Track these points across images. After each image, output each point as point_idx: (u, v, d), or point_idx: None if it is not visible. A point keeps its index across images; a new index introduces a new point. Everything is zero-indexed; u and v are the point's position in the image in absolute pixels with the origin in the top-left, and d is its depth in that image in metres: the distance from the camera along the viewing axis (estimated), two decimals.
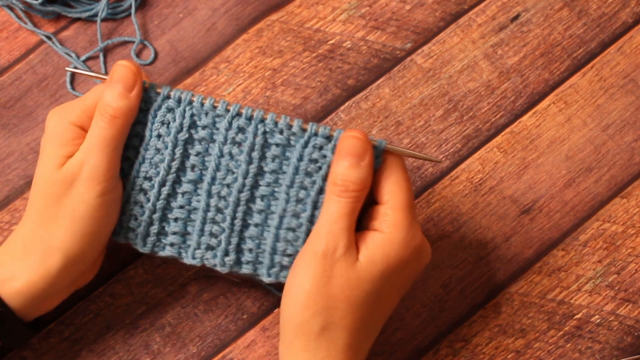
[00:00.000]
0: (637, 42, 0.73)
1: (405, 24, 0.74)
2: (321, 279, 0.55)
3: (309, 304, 0.55)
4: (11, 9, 0.73)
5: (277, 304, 0.67)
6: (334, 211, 0.55)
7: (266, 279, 0.59)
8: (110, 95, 0.57)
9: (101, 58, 0.72)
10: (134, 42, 0.73)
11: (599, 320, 0.67)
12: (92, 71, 0.62)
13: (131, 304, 0.67)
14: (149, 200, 0.59)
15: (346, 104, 0.72)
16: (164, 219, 0.60)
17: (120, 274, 0.67)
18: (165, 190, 0.59)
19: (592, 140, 0.71)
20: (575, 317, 0.67)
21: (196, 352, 0.66)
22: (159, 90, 0.58)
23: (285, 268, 0.58)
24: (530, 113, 0.72)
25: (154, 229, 0.60)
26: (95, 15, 0.73)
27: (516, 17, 0.74)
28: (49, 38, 0.72)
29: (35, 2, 0.71)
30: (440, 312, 0.67)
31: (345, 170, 0.55)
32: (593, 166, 0.70)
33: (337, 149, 0.56)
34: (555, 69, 0.73)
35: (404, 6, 0.74)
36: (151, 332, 0.66)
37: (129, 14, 0.74)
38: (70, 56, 0.72)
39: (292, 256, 0.58)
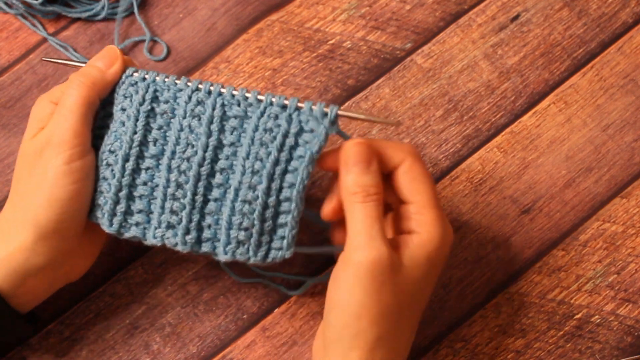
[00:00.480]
0: (637, 42, 0.73)
1: (405, 24, 0.74)
2: (371, 287, 0.54)
3: (363, 314, 0.54)
4: (24, 17, 0.73)
5: (277, 304, 0.67)
6: (364, 217, 0.55)
7: (222, 257, 0.58)
8: (86, 68, 0.59)
9: None
10: (144, 40, 0.73)
11: (599, 320, 0.67)
12: (69, 60, 0.64)
13: (131, 304, 0.67)
14: (114, 175, 0.59)
15: (346, 104, 0.72)
16: (129, 196, 0.59)
17: (120, 274, 0.67)
18: (129, 166, 0.58)
19: (592, 140, 0.71)
20: (575, 317, 0.67)
21: (196, 352, 0.66)
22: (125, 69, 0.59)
23: (241, 244, 0.57)
24: (530, 113, 0.72)
25: (121, 207, 0.59)
26: (95, 15, 0.73)
27: (516, 17, 0.74)
28: (65, 48, 0.72)
29: (35, 2, 0.71)
30: (440, 312, 0.67)
31: (358, 177, 0.55)
32: (593, 166, 0.70)
33: (342, 159, 0.56)
34: (555, 69, 0.73)
35: (404, 6, 0.74)
36: (151, 332, 0.66)
37: (128, 14, 0.74)
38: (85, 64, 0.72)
39: (249, 230, 0.57)
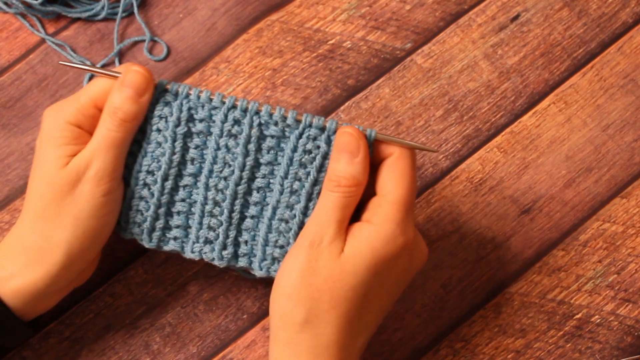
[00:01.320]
0: (637, 42, 0.73)
1: (405, 24, 0.74)
2: (306, 269, 0.54)
3: (293, 294, 0.54)
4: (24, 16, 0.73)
5: None
6: (325, 204, 0.55)
7: (258, 273, 0.59)
8: (119, 98, 0.57)
9: (117, 64, 0.72)
10: (144, 40, 0.73)
11: (599, 320, 0.67)
12: (88, 66, 0.62)
13: (131, 304, 0.67)
14: (153, 194, 0.59)
15: (346, 104, 0.72)
16: (168, 212, 0.60)
17: (120, 274, 0.67)
18: (168, 185, 0.59)
19: (592, 140, 0.71)
20: (575, 317, 0.67)
21: (196, 352, 0.66)
22: (154, 83, 0.58)
23: (276, 261, 0.58)
24: (530, 113, 0.72)
25: (160, 223, 0.60)
26: (95, 15, 0.73)
27: (516, 17, 0.74)
28: (62, 47, 0.72)
29: (35, 2, 0.71)
30: (440, 312, 0.67)
31: (338, 166, 0.56)
32: (593, 166, 0.70)
33: (333, 145, 0.56)
34: (555, 69, 0.73)
35: (404, 6, 0.74)
36: (151, 332, 0.66)
37: (128, 14, 0.74)
38: (86, 64, 0.72)
39: (284, 248, 0.58)
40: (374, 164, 0.58)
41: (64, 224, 0.57)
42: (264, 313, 0.67)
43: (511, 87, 0.72)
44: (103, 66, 0.72)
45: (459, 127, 0.71)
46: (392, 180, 0.56)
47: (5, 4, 0.73)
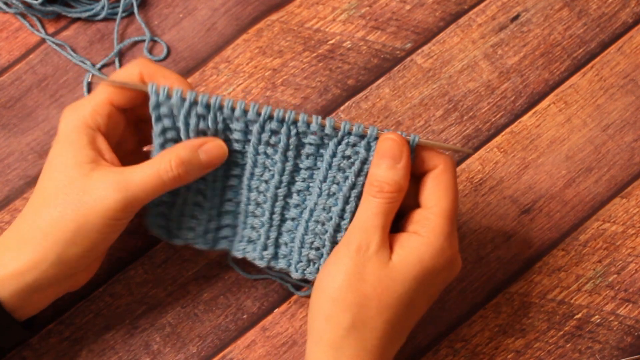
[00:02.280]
0: (637, 42, 0.73)
1: (405, 24, 0.74)
2: (353, 275, 0.55)
3: (339, 298, 0.55)
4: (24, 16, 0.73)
5: (277, 304, 0.67)
6: (368, 210, 0.56)
7: (294, 275, 0.60)
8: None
9: (117, 64, 0.72)
10: (144, 40, 0.73)
11: (599, 320, 0.67)
12: (123, 81, 0.59)
13: (131, 304, 0.67)
14: (205, 198, 0.60)
15: (346, 104, 0.72)
16: (219, 213, 0.61)
17: (120, 274, 0.67)
18: (217, 186, 0.60)
19: (592, 140, 0.71)
20: (575, 317, 0.67)
21: (196, 352, 0.66)
22: (184, 96, 0.57)
23: (312, 263, 0.59)
24: (530, 113, 0.72)
25: (213, 224, 0.61)
26: (95, 15, 0.73)
27: (516, 17, 0.74)
28: (62, 47, 0.72)
29: (35, 2, 0.71)
30: (440, 312, 0.67)
31: (381, 172, 0.56)
32: (593, 166, 0.70)
33: (375, 151, 0.57)
34: (555, 69, 0.73)
35: (404, 6, 0.74)
36: (151, 332, 0.66)
37: (128, 14, 0.74)
38: (85, 64, 0.72)
39: (319, 250, 0.59)
40: (415, 174, 0.58)
41: (57, 215, 0.56)
42: (264, 313, 0.67)
43: (511, 87, 0.72)
44: (103, 66, 0.72)
45: (459, 127, 0.71)
46: (439, 193, 0.57)
47: (5, 4, 0.73)
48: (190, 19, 0.74)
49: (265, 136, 0.57)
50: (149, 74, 0.58)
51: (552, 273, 0.68)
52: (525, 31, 0.73)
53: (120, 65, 0.72)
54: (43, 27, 0.74)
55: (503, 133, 0.71)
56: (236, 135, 0.58)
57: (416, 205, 0.58)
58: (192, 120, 0.57)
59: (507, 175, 0.70)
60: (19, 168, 0.70)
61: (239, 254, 0.61)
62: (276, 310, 0.67)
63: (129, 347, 0.66)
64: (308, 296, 0.67)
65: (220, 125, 0.58)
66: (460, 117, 0.71)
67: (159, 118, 0.57)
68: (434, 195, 0.57)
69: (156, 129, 0.58)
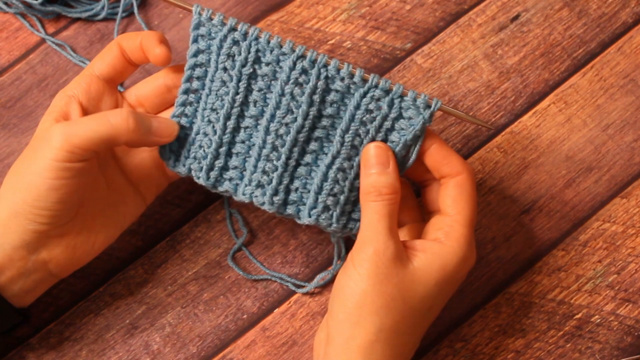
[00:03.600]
0: (637, 42, 0.73)
1: (405, 24, 0.74)
2: (376, 277, 0.55)
3: (366, 302, 0.55)
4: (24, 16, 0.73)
5: (277, 304, 0.67)
6: (373, 214, 0.57)
7: (306, 220, 0.60)
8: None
9: None
10: None
11: (599, 320, 0.67)
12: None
13: (131, 304, 0.67)
14: (215, 132, 0.60)
15: None
16: (228, 153, 0.61)
17: (120, 274, 0.67)
18: (230, 124, 0.60)
19: (592, 140, 0.71)
20: (575, 317, 0.67)
21: (196, 352, 0.66)
22: (225, 21, 0.59)
23: (326, 210, 0.59)
24: (530, 113, 0.72)
25: (219, 162, 0.61)
26: (95, 15, 0.73)
27: (516, 17, 0.74)
28: (62, 47, 0.72)
29: (35, 2, 0.71)
30: (440, 312, 0.67)
31: (373, 179, 0.57)
32: (593, 166, 0.70)
33: (361, 161, 0.58)
34: (555, 69, 0.73)
35: (404, 6, 0.74)
36: (151, 332, 0.66)
37: (128, 14, 0.74)
38: (85, 64, 0.72)
39: (337, 196, 0.59)
40: (437, 177, 0.59)
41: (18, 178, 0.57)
42: (264, 313, 0.67)
43: (511, 87, 0.72)
44: None
45: (459, 127, 0.71)
46: (462, 201, 0.58)
47: (5, 4, 0.73)
48: (191, 19, 0.74)
49: (295, 74, 0.58)
50: (129, 47, 0.61)
51: (552, 273, 0.68)
52: (525, 31, 0.73)
53: None
54: (43, 27, 0.74)
55: (503, 133, 0.71)
56: (265, 70, 0.59)
57: (435, 210, 0.60)
58: (227, 44, 0.59)
59: (507, 175, 0.70)
60: None
61: (244, 198, 0.60)
62: (276, 310, 0.67)
63: (129, 347, 0.66)
64: (309, 294, 0.67)
65: (251, 55, 0.59)
66: None
67: (195, 39, 0.60)
68: (458, 203, 0.58)
69: (191, 50, 0.60)
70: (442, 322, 0.66)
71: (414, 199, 0.64)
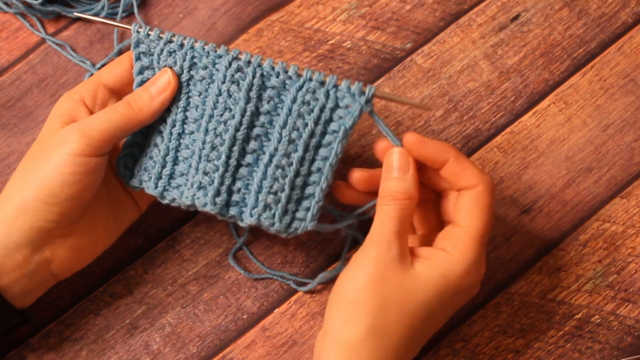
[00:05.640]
0: (637, 42, 0.73)
1: (405, 24, 0.74)
2: (375, 277, 0.55)
3: (361, 300, 0.55)
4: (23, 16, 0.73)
5: (277, 304, 0.67)
6: (384, 217, 0.57)
7: (248, 220, 0.60)
8: (138, 92, 0.60)
9: None
10: None
11: (599, 320, 0.67)
12: (105, 19, 0.65)
13: (131, 304, 0.67)
14: (162, 140, 0.61)
15: None
16: (175, 161, 0.61)
17: (120, 274, 0.67)
18: (175, 131, 0.61)
19: (592, 140, 0.71)
20: (575, 317, 0.67)
21: (196, 352, 0.66)
22: (162, 35, 0.60)
23: (268, 208, 0.59)
24: (530, 113, 0.72)
25: (166, 170, 0.61)
26: (95, 15, 0.73)
27: (516, 17, 0.74)
28: (62, 47, 0.72)
29: (35, 2, 0.71)
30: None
31: (391, 184, 0.57)
32: (593, 166, 0.70)
33: (384, 165, 0.59)
34: (555, 69, 0.73)
35: (404, 6, 0.74)
36: (151, 332, 0.66)
37: (128, 14, 0.74)
38: (85, 63, 0.72)
39: (277, 195, 0.59)
40: (453, 188, 0.59)
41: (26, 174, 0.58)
42: (264, 313, 0.67)
43: (511, 87, 0.72)
44: (103, 66, 0.72)
45: (459, 127, 0.71)
46: (474, 214, 0.57)
47: (5, 4, 0.73)
48: (190, 19, 0.74)
49: (231, 71, 0.59)
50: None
51: (552, 273, 0.68)
52: (525, 31, 0.73)
53: None
54: (43, 27, 0.74)
55: (503, 133, 0.71)
56: (202, 73, 0.60)
57: (451, 221, 0.59)
58: (163, 56, 0.60)
59: (507, 175, 0.70)
60: None
61: (187, 201, 0.60)
62: (276, 310, 0.67)
63: (129, 347, 0.66)
64: (310, 292, 0.67)
65: (187, 62, 0.60)
66: (460, 117, 0.71)
67: (138, 57, 0.61)
68: (469, 215, 0.57)
69: (135, 68, 0.61)
70: None
71: (435, 208, 0.63)
